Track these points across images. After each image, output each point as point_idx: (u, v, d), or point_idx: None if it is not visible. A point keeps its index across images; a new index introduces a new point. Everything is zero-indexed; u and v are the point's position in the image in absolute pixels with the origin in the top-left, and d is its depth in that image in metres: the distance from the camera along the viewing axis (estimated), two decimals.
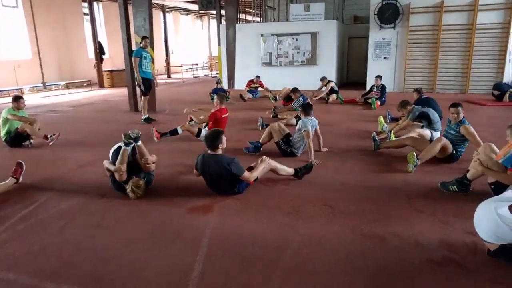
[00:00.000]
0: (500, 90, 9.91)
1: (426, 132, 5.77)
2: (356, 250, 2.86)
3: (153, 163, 4.30)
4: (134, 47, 9.23)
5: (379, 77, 9.96)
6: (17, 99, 6.33)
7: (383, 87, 9.84)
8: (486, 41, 11.35)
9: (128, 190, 3.95)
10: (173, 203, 3.81)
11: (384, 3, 11.98)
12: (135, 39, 9.08)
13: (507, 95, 9.66)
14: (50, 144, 6.28)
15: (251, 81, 11.69)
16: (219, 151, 3.90)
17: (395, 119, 7.63)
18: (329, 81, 10.76)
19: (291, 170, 4.40)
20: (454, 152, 4.84)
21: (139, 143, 4.21)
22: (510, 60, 11.22)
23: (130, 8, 9.09)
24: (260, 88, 11.72)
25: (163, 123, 8.14)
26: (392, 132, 5.95)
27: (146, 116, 8.27)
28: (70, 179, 4.66)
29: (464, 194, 3.87)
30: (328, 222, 3.35)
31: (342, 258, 2.76)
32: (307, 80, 13.02)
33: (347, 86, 14.27)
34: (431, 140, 5.79)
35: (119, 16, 9.22)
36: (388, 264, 2.68)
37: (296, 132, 5.36)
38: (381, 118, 6.82)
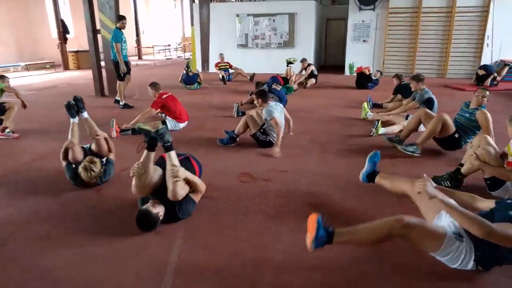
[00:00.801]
0: (486, 70, 9.79)
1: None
2: (349, 258, 2.52)
3: (106, 141, 3.97)
4: (97, 26, 8.51)
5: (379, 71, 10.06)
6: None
7: (377, 80, 9.71)
8: (465, 25, 11.20)
9: (80, 168, 3.53)
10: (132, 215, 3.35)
11: None
12: (99, 17, 8.34)
13: (489, 80, 9.56)
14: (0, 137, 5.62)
15: (218, 62, 11.37)
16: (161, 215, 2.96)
17: (377, 105, 7.35)
18: (309, 64, 10.35)
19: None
20: (457, 136, 4.50)
21: (85, 114, 4.04)
22: (488, 44, 11.14)
23: None
24: (231, 70, 11.24)
25: (133, 109, 7.56)
26: (379, 121, 5.59)
27: (124, 102, 7.71)
28: (21, 176, 4.11)
29: (457, 189, 3.60)
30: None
31: (334, 271, 2.41)
32: (285, 63, 12.58)
33: (324, 69, 13.92)
34: None
35: None
36: (386, 275, 2.35)
37: (265, 123, 4.95)
38: (365, 105, 6.50)
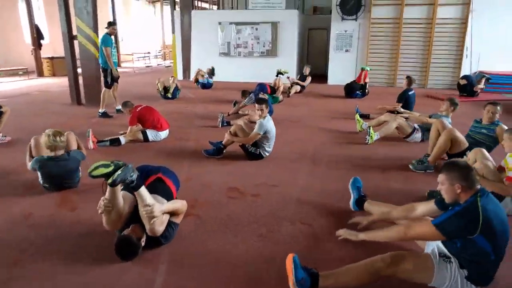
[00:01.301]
0: (467, 80, 9.90)
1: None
2: None
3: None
4: (75, 31, 8.15)
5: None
6: None
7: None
8: (445, 36, 11.36)
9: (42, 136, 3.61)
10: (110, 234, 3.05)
11: None
12: (76, 23, 7.98)
13: (481, 83, 9.75)
14: None
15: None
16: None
17: (364, 116, 7.26)
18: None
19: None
20: None
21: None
22: (467, 55, 11.33)
23: None
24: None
25: (111, 119, 7.21)
26: (371, 128, 5.49)
27: (104, 110, 7.33)
28: None
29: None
30: (310, 248, 2.78)
31: None
32: (267, 72, 12.42)
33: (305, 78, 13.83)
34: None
35: None
36: None
37: None
38: (358, 116, 6.35)
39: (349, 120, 7.07)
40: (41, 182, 3.70)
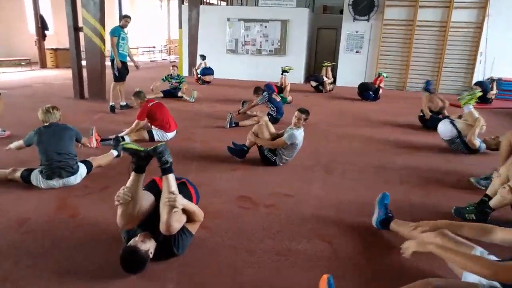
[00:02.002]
0: (481, 87, 9.56)
1: None
2: None
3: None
4: (80, 23, 7.90)
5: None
6: None
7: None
8: (458, 40, 11.08)
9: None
10: (112, 241, 2.81)
11: None
12: (82, 14, 7.73)
13: (492, 92, 9.46)
14: None
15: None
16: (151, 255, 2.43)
17: None
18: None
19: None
20: None
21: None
22: (480, 61, 11.05)
23: None
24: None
25: (115, 114, 6.97)
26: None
27: (112, 104, 7.13)
28: None
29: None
30: (330, 269, 2.52)
31: None
32: (275, 71, 12.16)
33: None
34: None
35: None
36: None
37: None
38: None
39: (363, 125, 6.83)
40: (39, 168, 3.57)
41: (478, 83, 9.85)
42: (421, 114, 6.87)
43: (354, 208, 3.43)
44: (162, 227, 2.40)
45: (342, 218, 3.25)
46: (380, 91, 9.60)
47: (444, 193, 3.87)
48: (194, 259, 2.57)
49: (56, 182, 3.58)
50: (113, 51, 6.92)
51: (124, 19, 7.11)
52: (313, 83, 10.58)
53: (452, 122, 5.39)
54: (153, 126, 5.33)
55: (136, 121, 5.23)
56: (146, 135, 5.19)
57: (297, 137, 4.28)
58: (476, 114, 5.19)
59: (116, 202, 2.43)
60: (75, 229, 2.90)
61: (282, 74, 9.25)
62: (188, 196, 2.73)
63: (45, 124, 3.75)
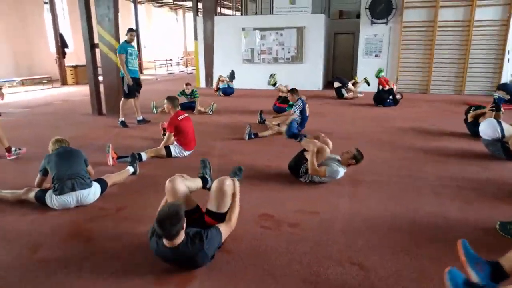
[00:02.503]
0: (505, 90, 9.09)
1: None
2: None
3: None
4: (96, 40, 7.93)
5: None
6: None
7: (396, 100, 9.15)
8: (483, 39, 10.62)
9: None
10: (129, 267, 2.64)
11: None
12: (97, 30, 7.75)
13: None
14: (10, 158, 5.10)
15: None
16: (180, 240, 2.35)
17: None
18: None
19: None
20: None
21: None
22: (508, 60, 10.54)
23: None
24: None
25: (131, 129, 6.90)
26: None
27: (122, 119, 7.08)
28: None
29: None
30: None
31: None
32: (293, 79, 11.94)
33: (332, 85, 13.29)
34: None
35: (78, 2, 7.85)
36: None
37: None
38: None
39: (385, 132, 6.53)
40: (52, 189, 3.47)
41: (501, 86, 9.33)
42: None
43: (384, 224, 3.16)
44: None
45: (372, 236, 2.98)
46: (395, 89, 9.15)
47: (484, 205, 3.55)
48: (214, 284, 2.36)
49: (69, 197, 3.43)
50: (122, 69, 6.80)
51: (129, 33, 6.91)
52: (336, 84, 10.28)
53: (499, 121, 5.04)
54: (174, 142, 5.16)
55: (168, 133, 5.07)
56: (163, 152, 5.05)
57: (339, 175, 3.97)
58: None
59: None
60: (88, 255, 2.74)
61: (274, 87, 8.88)
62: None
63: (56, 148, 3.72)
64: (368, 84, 10.44)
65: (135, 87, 7.08)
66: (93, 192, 3.57)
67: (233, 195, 2.84)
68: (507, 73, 10.57)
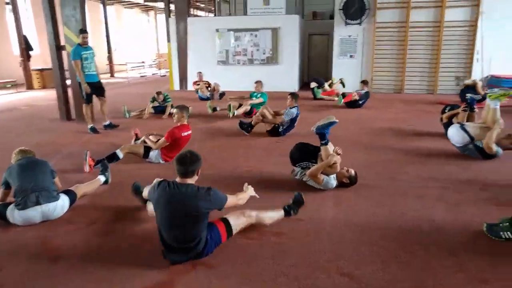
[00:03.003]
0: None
1: None
2: None
3: None
4: (62, 42, 7.53)
5: (365, 82, 9.29)
6: None
7: (367, 93, 9.00)
8: (454, 39, 10.86)
9: None
10: (110, 278, 2.42)
11: None
12: (64, 32, 7.35)
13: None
14: None
15: (196, 81, 10.52)
16: (191, 181, 2.66)
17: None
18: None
19: (280, 214, 3.18)
20: None
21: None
22: (477, 59, 10.83)
23: None
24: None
25: (103, 135, 6.56)
26: None
27: (91, 125, 6.72)
28: None
29: None
30: None
31: None
32: (269, 80, 11.82)
33: (308, 86, 13.27)
34: None
35: (42, 4, 7.43)
36: None
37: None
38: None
39: (364, 133, 6.49)
40: (14, 203, 3.18)
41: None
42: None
43: (372, 231, 3.06)
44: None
45: (361, 243, 2.86)
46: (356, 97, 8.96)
47: (468, 207, 3.51)
48: None
49: (34, 212, 3.14)
50: (78, 76, 6.38)
51: (81, 35, 6.35)
52: (313, 84, 10.23)
53: (462, 127, 5.07)
54: (153, 146, 4.85)
55: (164, 140, 4.75)
56: (141, 150, 4.81)
57: (331, 188, 3.88)
58: (499, 115, 4.84)
59: None
60: (58, 278, 2.49)
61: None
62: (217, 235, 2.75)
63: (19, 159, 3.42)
64: (344, 85, 10.46)
65: (95, 91, 6.66)
66: (60, 206, 3.30)
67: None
68: (476, 72, 10.83)
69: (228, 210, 2.91)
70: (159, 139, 4.89)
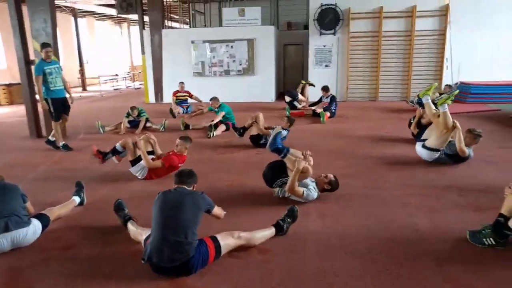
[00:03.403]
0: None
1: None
2: None
3: None
4: (32, 56, 7.27)
5: (325, 88, 9.15)
6: None
7: (333, 98, 9.03)
8: (424, 48, 11.21)
9: None
10: None
11: (323, 8, 11.29)
12: (33, 46, 7.10)
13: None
14: None
15: (177, 91, 10.23)
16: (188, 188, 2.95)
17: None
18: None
19: (271, 231, 3.10)
20: None
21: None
22: (447, 66, 11.19)
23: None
24: (190, 100, 10.25)
25: (77, 151, 6.32)
26: None
27: (63, 143, 6.44)
28: None
29: (503, 248, 2.88)
30: None
31: None
32: (246, 91, 11.89)
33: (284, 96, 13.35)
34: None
35: (10, 17, 7.16)
36: None
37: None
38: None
39: (344, 142, 6.53)
40: None
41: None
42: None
43: (359, 242, 3.02)
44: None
45: (348, 257, 2.82)
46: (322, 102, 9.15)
47: (450, 214, 3.54)
48: None
49: (2, 240, 2.92)
50: (38, 93, 6.11)
51: (44, 49, 6.00)
52: (287, 98, 10.24)
53: (424, 145, 5.17)
54: (151, 161, 4.67)
55: (161, 163, 4.62)
56: (132, 156, 4.71)
57: (314, 198, 3.82)
58: (450, 116, 4.91)
59: None
60: None
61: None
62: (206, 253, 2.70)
63: None
64: (313, 86, 10.46)
65: (61, 108, 6.35)
66: (32, 231, 3.10)
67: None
68: (446, 79, 11.18)
69: (218, 230, 2.81)
70: (154, 157, 4.83)
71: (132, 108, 8.04)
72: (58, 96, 6.26)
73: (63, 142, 6.44)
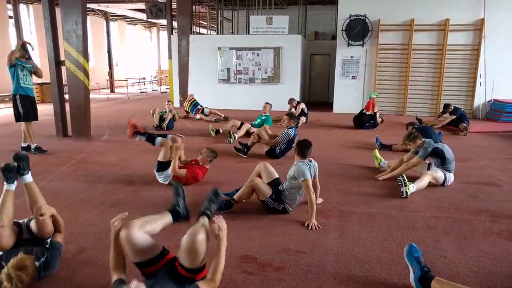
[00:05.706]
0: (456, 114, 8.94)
1: (440, 174, 4.65)
2: None
3: (53, 219, 2.76)
4: (62, 56, 7.45)
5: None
6: None
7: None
8: (456, 63, 10.82)
9: (2, 274, 2.24)
10: None
11: (352, 18, 11.12)
12: (64, 47, 7.28)
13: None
14: None
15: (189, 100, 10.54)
16: None
17: (385, 146, 6.54)
18: (298, 102, 9.67)
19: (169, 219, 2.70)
20: None
21: (28, 177, 2.77)
22: (480, 83, 10.75)
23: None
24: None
25: (97, 153, 6.37)
26: (404, 178, 4.41)
27: (35, 145, 6.38)
28: None
29: None
30: None
31: None
32: (270, 99, 11.70)
33: (310, 106, 13.14)
34: (443, 184, 4.69)
35: (43, 18, 7.38)
36: None
37: (287, 181, 3.85)
38: (377, 153, 5.62)
39: (368, 158, 6.31)
40: None
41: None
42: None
43: (382, 268, 2.84)
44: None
45: (369, 284, 2.65)
46: (378, 115, 9.12)
47: (482, 241, 3.30)
48: None
49: None
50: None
51: (20, 50, 5.96)
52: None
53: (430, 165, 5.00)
54: (177, 169, 4.57)
55: (185, 173, 4.57)
56: (165, 159, 4.61)
57: (305, 170, 3.67)
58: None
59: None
60: None
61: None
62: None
63: None
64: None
65: (30, 107, 6.23)
66: None
67: (217, 238, 2.28)
68: (480, 96, 10.75)
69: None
70: (182, 165, 4.79)
71: (168, 101, 8.98)
72: (27, 93, 6.16)
73: (35, 144, 6.38)
